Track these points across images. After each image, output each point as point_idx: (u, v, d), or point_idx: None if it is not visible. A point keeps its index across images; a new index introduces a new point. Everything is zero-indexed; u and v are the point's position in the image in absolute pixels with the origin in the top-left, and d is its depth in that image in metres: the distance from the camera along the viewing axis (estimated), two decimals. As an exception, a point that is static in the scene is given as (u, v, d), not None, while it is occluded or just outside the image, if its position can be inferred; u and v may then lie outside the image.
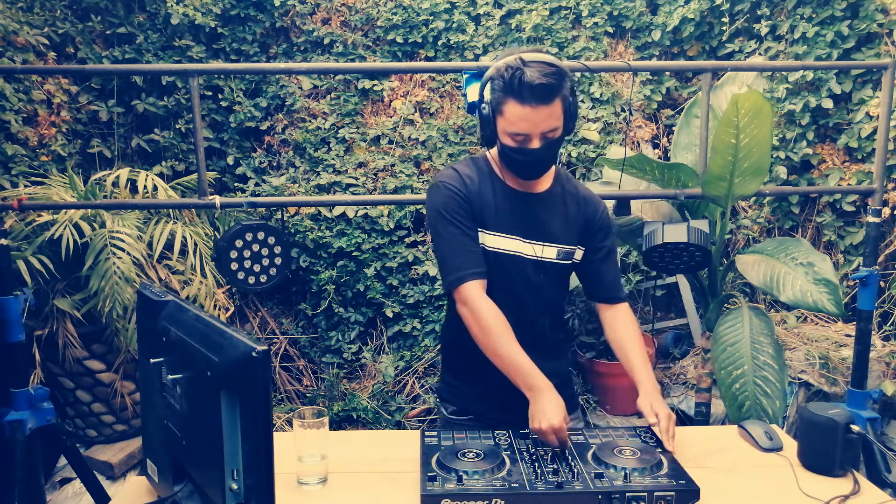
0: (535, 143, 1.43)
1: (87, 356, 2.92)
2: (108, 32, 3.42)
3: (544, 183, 1.59)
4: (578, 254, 1.62)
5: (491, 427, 1.48)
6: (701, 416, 2.65)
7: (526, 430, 1.45)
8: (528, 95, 1.38)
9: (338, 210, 3.50)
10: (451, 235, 1.51)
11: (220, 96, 3.57)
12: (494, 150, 1.58)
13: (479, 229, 1.54)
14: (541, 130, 1.42)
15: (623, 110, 3.58)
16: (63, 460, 2.76)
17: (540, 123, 1.41)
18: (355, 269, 3.52)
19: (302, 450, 1.32)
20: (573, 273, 1.68)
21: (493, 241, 1.54)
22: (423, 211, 3.53)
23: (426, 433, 1.45)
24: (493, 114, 1.46)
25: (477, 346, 1.54)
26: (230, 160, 3.65)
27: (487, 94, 1.47)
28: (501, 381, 1.57)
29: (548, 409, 1.37)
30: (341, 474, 1.36)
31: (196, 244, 3.01)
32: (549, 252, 1.57)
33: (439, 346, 1.72)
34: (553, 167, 1.61)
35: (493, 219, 1.53)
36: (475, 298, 1.48)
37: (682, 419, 3.10)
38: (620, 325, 1.63)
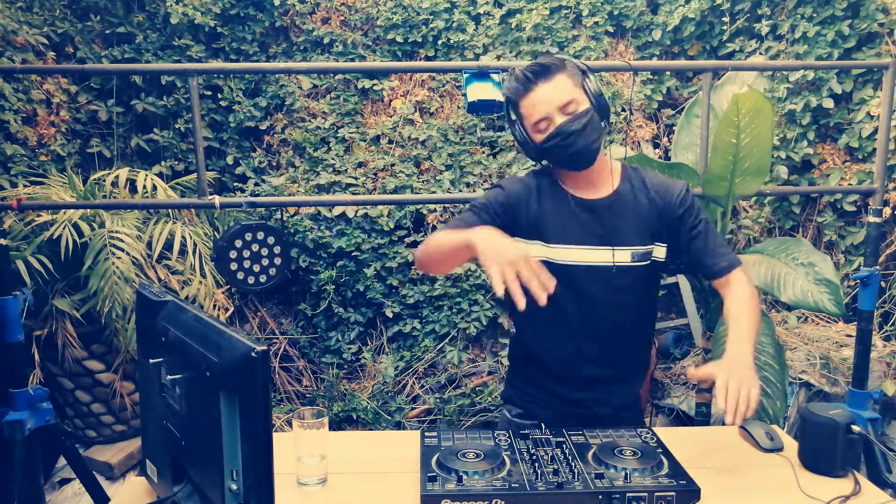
0: (559, 119, 1.43)
1: (87, 356, 2.92)
2: (107, 32, 3.42)
3: (608, 185, 1.54)
4: (659, 251, 1.54)
5: (552, 429, 1.46)
6: (701, 417, 2.64)
7: (526, 431, 1.45)
8: (527, 80, 1.44)
9: (337, 210, 3.50)
10: (462, 215, 1.54)
11: (219, 96, 3.57)
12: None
13: (542, 243, 1.50)
14: (557, 105, 1.43)
15: (623, 110, 3.58)
16: (62, 461, 2.75)
17: (553, 98, 1.43)
18: (355, 269, 3.51)
19: (302, 450, 1.31)
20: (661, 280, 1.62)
21: (560, 253, 1.50)
22: (423, 210, 3.53)
23: (426, 433, 1.44)
24: (521, 126, 1.49)
25: (545, 345, 1.57)
26: (230, 160, 3.65)
27: (513, 106, 1.50)
28: (566, 391, 1.58)
29: (497, 249, 1.25)
30: (341, 474, 1.36)
31: (195, 244, 3.01)
32: (622, 256, 1.51)
33: (508, 353, 1.70)
34: (618, 165, 1.57)
35: (557, 230, 1.50)
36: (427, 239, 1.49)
37: (683, 419, 3.10)
38: (728, 298, 1.50)
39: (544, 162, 1.57)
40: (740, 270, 1.53)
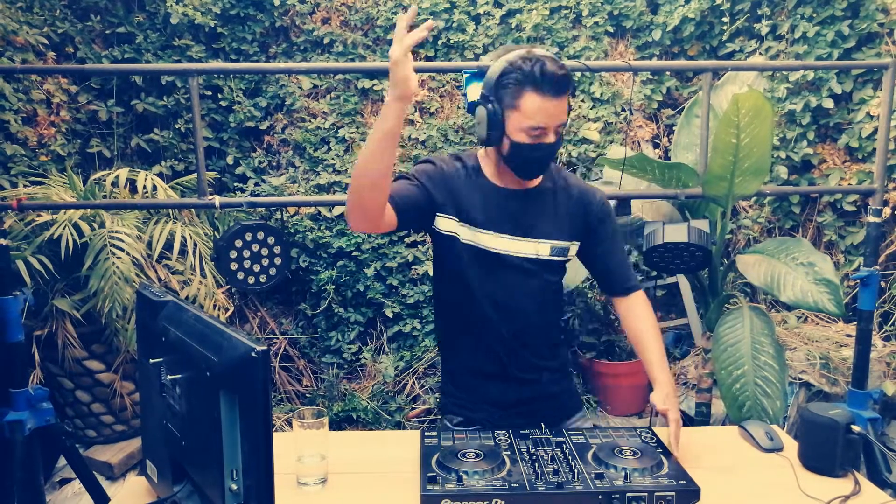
0: (551, 137, 1.42)
1: (87, 356, 2.92)
2: (107, 32, 3.42)
3: (534, 180, 1.57)
4: (573, 249, 1.59)
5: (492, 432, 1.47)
6: (701, 417, 2.64)
7: (526, 431, 1.45)
8: (549, 86, 1.37)
9: (338, 210, 3.50)
10: (400, 181, 1.51)
11: (219, 96, 3.57)
12: (483, 151, 1.56)
13: (467, 225, 1.51)
14: (556, 123, 1.42)
15: (623, 110, 3.58)
16: (62, 460, 2.75)
17: (557, 116, 1.41)
18: (355, 269, 3.51)
19: (302, 450, 1.31)
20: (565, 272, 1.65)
21: (484, 239, 1.52)
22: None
23: (426, 433, 1.45)
24: (502, 110, 1.42)
25: (467, 342, 1.59)
26: (230, 160, 3.65)
27: (494, 91, 1.43)
28: (501, 382, 1.59)
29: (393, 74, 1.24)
30: (341, 474, 1.36)
31: (196, 244, 3.01)
32: (542, 249, 1.55)
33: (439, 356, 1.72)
34: None
35: (482, 217, 1.51)
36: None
37: (683, 419, 3.10)
38: (633, 316, 1.60)
39: (479, 150, 1.57)
40: (642, 292, 1.64)
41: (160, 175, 3.40)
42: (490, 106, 1.43)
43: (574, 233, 1.58)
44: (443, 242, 1.54)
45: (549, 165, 1.54)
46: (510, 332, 1.57)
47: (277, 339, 3.62)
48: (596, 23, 3.57)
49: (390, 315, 3.51)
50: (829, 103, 3.13)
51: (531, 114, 1.39)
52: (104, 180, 3.01)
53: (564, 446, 1.38)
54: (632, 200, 2.59)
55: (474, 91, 2.05)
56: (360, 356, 3.56)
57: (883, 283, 3.12)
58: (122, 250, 2.76)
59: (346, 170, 3.55)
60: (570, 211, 1.57)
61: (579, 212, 1.57)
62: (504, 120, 1.43)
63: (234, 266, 2.19)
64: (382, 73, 3.66)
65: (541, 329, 1.61)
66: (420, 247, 3.55)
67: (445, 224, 1.52)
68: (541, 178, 1.57)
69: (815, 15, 3.15)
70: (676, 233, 2.22)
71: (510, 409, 1.60)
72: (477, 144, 3.77)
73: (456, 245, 1.52)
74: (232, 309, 3.39)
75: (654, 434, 1.44)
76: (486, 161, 1.56)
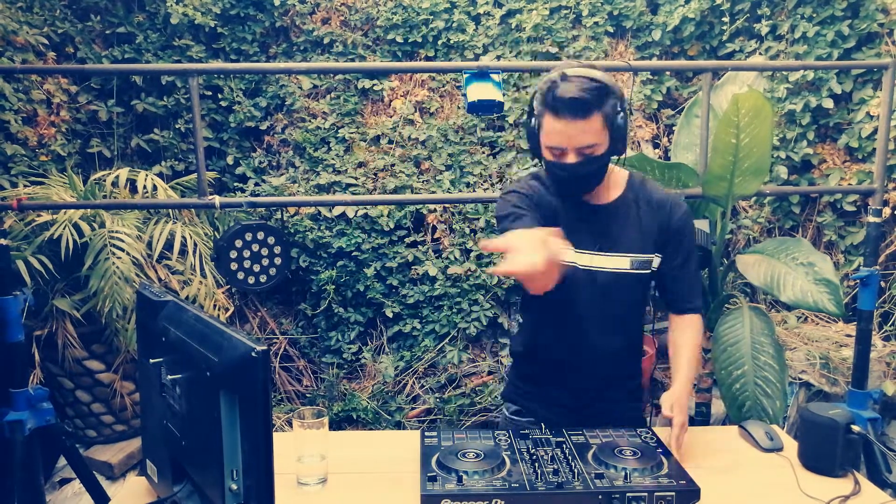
0: (571, 158, 1.41)
1: (87, 356, 2.92)
2: (107, 32, 3.42)
3: (613, 192, 1.55)
4: (656, 261, 1.56)
5: (550, 428, 1.48)
6: (701, 417, 2.64)
7: (526, 431, 1.45)
8: (562, 109, 1.37)
9: (337, 210, 3.50)
10: (505, 230, 1.44)
11: (219, 96, 3.57)
12: None
13: None
14: (576, 145, 1.39)
15: (623, 110, 3.57)
16: (63, 460, 2.75)
17: (575, 137, 1.39)
18: (355, 269, 3.51)
19: (302, 450, 1.31)
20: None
21: (569, 255, 1.50)
22: (423, 210, 3.53)
23: (426, 433, 1.45)
24: (537, 128, 1.45)
25: (547, 344, 1.59)
26: (230, 160, 3.65)
27: (535, 108, 1.46)
28: (566, 388, 1.60)
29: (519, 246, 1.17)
30: (341, 474, 1.36)
31: (196, 244, 3.01)
32: (622, 263, 1.52)
33: (508, 350, 1.71)
34: (624, 173, 1.58)
35: (567, 232, 1.46)
36: None
37: (683, 419, 3.10)
38: (681, 330, 1.59)
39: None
40: (701, 316, 1.63)
41: (160, 175, 3.40)
42: (531, 121, 1.47)
43: (656, 245, 1.55)
44: None
45: (586, 188, 1.50)
46: (588, 344, 1.56)
47: (277, 339, 3.62)
48: (596, 23, 3.57)
49: (390, 315, 3.51)
50: (829, 103, 3.13)
51: (549, 134, 1.42)
52: (104, 180, 3.01)
53: (564, 446, 1.38)
54: (632, 200, 2.58)
55: (474, 91, 2.06)
56: (360, 356, 3.56)
57: (883, 283, 3.12)
58: (122, 250, 2.76)
59: (346, 170, 3.55)
60: (652, 223, 1.54)
61: (660, 224, 1.55)
62: (538, 135, 1.46)
63: (234, 266, 2.19)
64: (382, 73, 3.66)
65: (621, 345, 1.59)
66: (420, 247, 3.55)
67: None
68: (621, 188, 1.55)
69: (815, 15, 3.15)
70: (676, 233, 2.22)
71: (571, 413, 1.59)
72: (476, 144, 3.76)
73: None
74: (232, 309, 3.39)
75: (654, 434, 1.44)
76: None
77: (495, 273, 1.19)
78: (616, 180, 1.56)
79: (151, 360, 1.16)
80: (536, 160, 1.53)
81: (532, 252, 1.12)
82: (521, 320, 1.72)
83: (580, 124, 1.38)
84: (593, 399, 1.59)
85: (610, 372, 1.59)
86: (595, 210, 1.54)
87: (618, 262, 1.53)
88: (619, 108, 1.41)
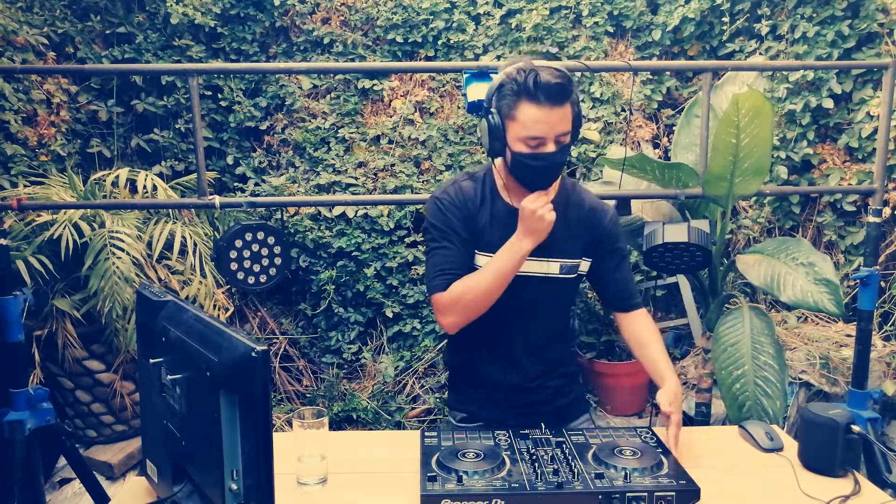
0: (551, 147, 1.41)
1: (87, 356, 2.92)
2: (107, 32, 3.42)
3: (549, 193, 1.54)
4: (584, 265, 1.59)
5: (494, 431, 1.47)
6: (701, 417, 2.64)
7: (526, 431, 1.45)
8: (544, 96, 1.36)
9: (338, 210, 3.50)
10: (431, 250, 1.54)
11: (219, 96, 3.57)
12: (499, 163, 1.54)
13: (486, 253, 1.52)
14: (556, 133, 1.40)
15: (623, 110, 3.58)
16: (63, 460, 2.75)
17: (555, 125, 1.39)
18: (355, 269, 3.51)
19: (302, 450, 1.31)
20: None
21: (488, 261, 1.51)
22: (423, 211, 3.53)
23: (426, 433, 1.45)
24: (502, 122, 1.43)
25: (480, 351, 1.59)
26: (230, 160, 3.65)
27: (494, 103, 1.43)
28: (505, 385, 1.60)
29: (532, 230, 1.44)
30: (341, 474, 1.36)
31: (196, 244, 3.01)
32: (551, 267, 1.55)
33: (442, 354, 1.74)
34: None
35: (488, 239, 1.51)
36: (441, 298, 1.50)
37: (683, 419, 3.10)
38: (636, 329, 1.61)
39: (496, 163, 1.56)
40: (644, 310, 1.65)
41: (160, 175, 3.40)
42: (491, 117, 1.44)
43: (585, 250, 1.58)
44: None
45: (558, 177, 1.52)
46: (521, 347, 1.59)
47: (277, 339, 3.62)
48: (596, 23, 3.57)
49: (390, 315, 3.51)
50: (829, 103, 3.13)
51: (528, 124, 1.40)
52: (104, 180, 3.01)
53: (564, 446, 1.38)
54: (632, 200, 2.58)
55: (474, 91, 2.06)
56: (360, 356, 3.56)
57: (883, 283, 3.12)
58: (122, 250, 2.76)
59: (346, 170, 3.55)
60: (582, 228, 1.57)
61: (590, 229, 1.58)
62: (505, 131, 1.43)
63: (234, 266, 2.18)
64: (382, 73, 3.66)
65: (552, 342, 1.62)
66: (420, 247, 3.55)
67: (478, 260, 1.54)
68: (554, 193, 1.54)
69: (815, 15, 3.15)
70: (676, 233, 2.22)
71: (516, 410, 1.61)
72: (476, 144, 3.76)
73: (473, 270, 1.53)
74: (232, 309, 3.39)
75: (654, 434, 1.44)
76: (499, 175, 1.55)
77: None
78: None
79: (151, 360, 1.16)
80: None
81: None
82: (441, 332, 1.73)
83: (559, 111, 1.39)
84: (534, 393, 1.62)
85: (545, 366, 1.62)
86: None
87: (547, 267, 1.55)
88: (578, 98, 1.45)
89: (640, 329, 1.61)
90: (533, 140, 1.40)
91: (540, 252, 1.52)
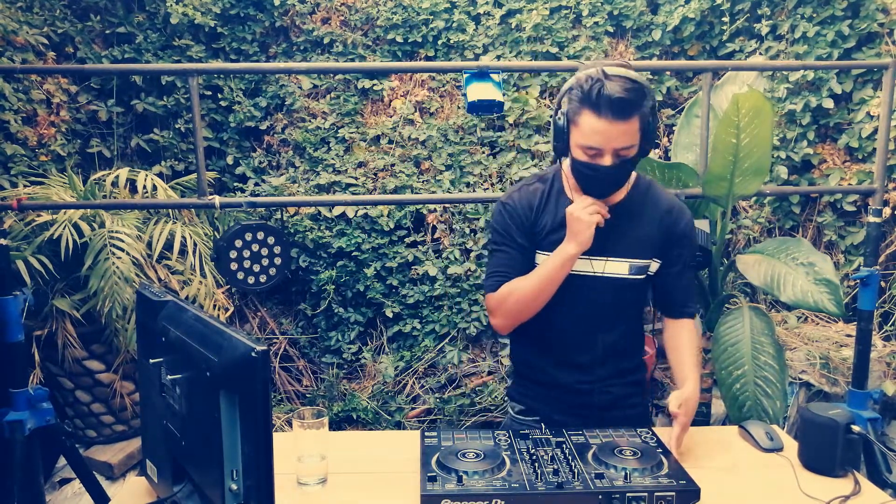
0: (607, 160, 1.39)
1: (87, 356, 2.91)
2: (107, 32, 3.42)
3: (618, 194, 1.53)
4: (654, 266, 1.57)
5: (553, 428, 1.47)
6: (701, 417, 2.64)
7: (526, 431, 1.45)
8: (606, 108, 1.34)
9: (337, 210, 3.50)
10: (492, 252, 1.58)
11: (219, 96, 3.57)
12: (566, 166, 1.53)
13: (538, 251, 1.52)
14: (614, 146, 1.38)
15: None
16: (62, 461, 2.75)
17: (614, 139, 1.37)
18: (355, 269, 3.51)
19: (302, 450, 1.31)
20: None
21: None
22: (423, 210, 3.54)
23: (426, 433, 1.44)
24: (567, 125, 1.42)
25: (542, 352, 1.60)
26: (230, 160, 3.65)
27: (564, 105, 1.43)
28: (567, 386, 1.60)
29: (578, 234, 1.44)
30: (341, 474, 1.36)
31: (195, 244, 3.01)
32: (619, 268, 1.52)
33: (509, 351, 1.75)
34: (632, 175, 1.56)
35: (552, 239, 1.51)
36: (490, 299, 1.55)
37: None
38: (678, 334, 1.60)
39: (564, 163, 1.55)
40: (694, 320, 1.65)
41: (160, 175, 3.40)
42: (558, 118, 1.44)
43: (656, 250, 1.55)
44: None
45: (616, 189, 1.49)
46: (585, 350, 1.57)
47: (277, 339, 3.62)
48: (596, 23, 3.57)
49: (390, 315, 3.51)
50: (829, 103, 3.13)
51: (587, 133, 1.39)
52: (104, 180, 3.01)
53: (564, 446, 1.38)
54: (632, 200, 2.58)
55: (474, 91, 2.06)
56: (360, 356, 3.56)
57: (883, 283, 3.12)
58: (122, 250, 2.76)
59: (346, 170, 3.55)
60: (656, 228, 1.54)
61: (665, 229, 1.55)
62: (568, 134, 1.43)
63: (234, 266, 2.18)
64: (382, 73, 3.66)
65: (617, 345, 1.59)
66: (420, 247, 3.55)
67: (538, 259, 1.55)
68: (627, 190, 1.54)
69: (815, 15, 3.15)
70: (676, 233, 2.22)
71: (577, 411, 1.60)
72: (476, 144, 3.75)
73: None
74: (232, 309, 3.39)
75: (654, 434, 1.44)
76: (567, 175, 1.54)
77: None
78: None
79: (151, 360, 1.16)
80: (557, 159, 1.52)
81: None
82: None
83: (621, 125, 1.36)
84: (596, 397, 1.60)
85: (611, 371, 1.59)
86: None
87: (616, 268, 1.53)
88: (653, 110, 1.41)
89: (682, 335, 1.60)
90: (590, 150, 1.39)
91: (606, 252, 1.51)
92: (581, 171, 1.44)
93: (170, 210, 3.14)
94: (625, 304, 1.58)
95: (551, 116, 1.50)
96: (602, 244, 1.50)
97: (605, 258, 1.52)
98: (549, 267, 1.47)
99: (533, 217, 1.53)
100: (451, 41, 3.59)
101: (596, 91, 1.34)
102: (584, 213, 1.41)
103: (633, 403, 1.64)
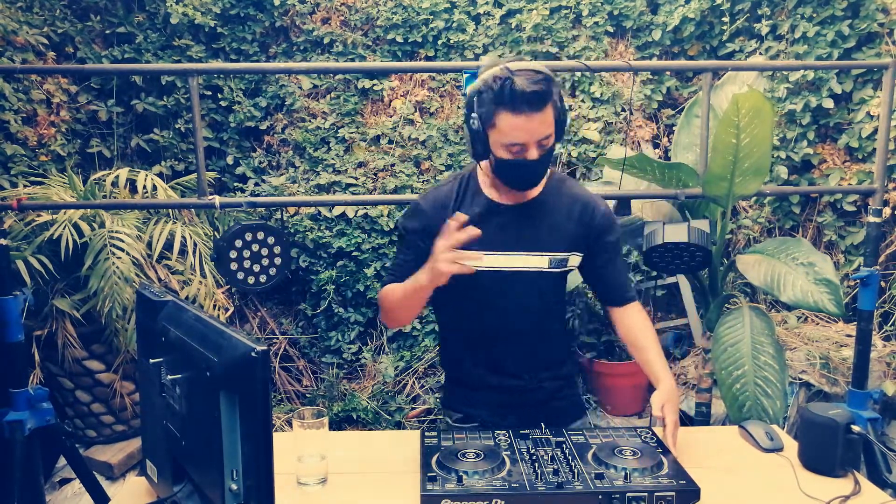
0: (533, 153, 1.40)
1: (87, 356, 2.91)
2: (107, 32, 3.42)
3: (532, 191, 1.54)
4: (574, 259, 1.58)
5: (491, 430, 1.48)
6: (701, 417, 2.64)
7: (526, 431, 1.45)
8: (521, 104, 1.34)
9: (337, 210, 3.50)
10: (397, 250, 1.59)
11: (219, 96, 3.57)
12: (485, 164, 1.53)
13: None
14: (536, 139, 1.39)
15: (623, 110, 3.58)
16: (62, 461, 2.75)
17: (535, 131, 1.38)
18: (355, 269, 3.51)
19: (302, 450, 1.31)
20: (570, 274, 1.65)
21: (483, 260, 1.49)
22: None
23: (426, 433, 1.45)
24: (483, 127, 1.42)
25: (469, 352, 1.60)
26: (230, 160, 3.65)
27: (475, 108, 1.41)
28: (502, 386, 1.60)
29: (431, 270, 1.36)
30: (341, 474, 1.36)
31: (195, 244, 3.01)
32: (539, 262, 1.54)
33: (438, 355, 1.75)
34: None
35: (481, 239, 1.47)
36: (379, 295, 1.57)
37: (683, 419, 3.10)
38: (631, 323, 1.61)
39: (482, 163, 1.55)
40: (638, 303, 1.64)
41: (160, 175, 3.40)
42: (473, 123, 1.43)
43: (575, 244, 1.56)
44: None
45: (541, 180, 1.52)
46: (514, 345, 1.58)
47: (277, 339, 3.62)
48: (596, 23, 3.57)
49: (390, 315, 3.51)
50: (829, 103, 3.13)
51: (507, 132, 1.38)
52: (104, 180, 3.01)
53: (564, 446, 1.38)
54: (632, 200, 2.58)
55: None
56: (360, 356, 3.56)
57: (883, 283, 3.12)
58: (122, 250, 2.76)
59: (346, 170, 3.55)
60: (571, 222, 1.56)
61: (581, 223, 1.56)
62: (487, 136, 1.43)
63: (234, 266, 2.18)
64: (382, 73, 3.66)
65: (544, 340, 1.62)
66: (420, 247, 3.55)
67: None
68: (540, 188, 1.55)
69: (815, 15, 3.15)
70: (676, 233, 2.22)
71: (512, 410, 1.61)
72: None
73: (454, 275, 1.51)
74: (232, 309, 3.39)
75: (654, 434, 1.44)
76: (484, 173, 1.55)
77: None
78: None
79: (151, 360, 1.16)
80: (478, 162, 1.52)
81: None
82: (437, 330, 1.73)
83: (539, 116, 1.37)
84: (526, 395, 1.61)
85: (535, 368, 1.61)
86: (511, 210, 1.53)
87: (536, 262, 1.54)
88: (561, 97, 1.43)
89: (635, 326, 1.60)
90: (515, 146, 1.40)
91: (528, 246, 1.52)
92: (507, 170, 1.45)
93: (170, 210, 3.14)
94: (547, 298, 1.59)
95: (464, 122, 1.48)
96: (520, 240, 1.52)
97: (524, 253, 1.53)
98: (408, 288, 1.44)
99: (446, 217, 1.48)
100: (451, 41, 3.59)
101: (508, 89, 1.34)
102: (444, 265, 1.32)
103: (562, 395, 1.67)
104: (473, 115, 1.42)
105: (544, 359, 1.62)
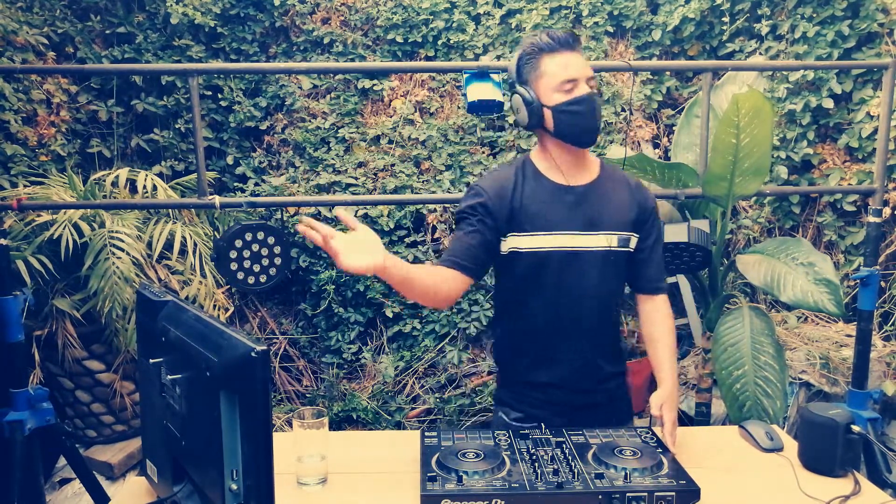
0: (584, 88, 1.46)
1: (87, 356, 2.92)
2: (107, 32, 3.42)
3: (591, 173, 1.58)
4: (633, 241, 1.58)
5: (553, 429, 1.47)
6: (701, 417, 2.64)
7: (526, 431, 1.45)
8: (559, 44, 1.46)
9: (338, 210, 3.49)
10: (457, 233, 1.55)
11: (219, 96, 3.57)
12: (536, 152, 1.58)
13: (521, 233, 1.51)
14: (584, 75, 1.47)
15: (623, 110, 3.58)
16: (62, 460, 2.75)
17: (580, 66, 1.47)
18: (355, 268, 3.51)
19: (302, 450, 1.31)
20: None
21: (540, 241, 1.51)
22: (423, 210, 3.54)
23: (426, 433, 1.45)
24: (532, 85, 1.49)
25: (534, 344, 1.58)
26: (230, 160, 3.65)
27: (519, 78, 1.51)
28: (561, 387, 1.59)
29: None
30: (341, 474, 1.36)
31: (195, 244, 3.01)
32: (608, 240, 1.54)
33: (493, 352, 1.72)
34: (597, 159, 1.62)
35: (539, 219, 1.51)
36: None
37: (683, 419, 3.10)
38: (655, 316, 1.61)
39: (532, 151, 1.59)
40: (667, 296, 1.65)
41: (160, 175, 3.40)
42: (520, 90, 1.51)
43: (634, 225, 1.58)
44: (505, 260, 1.55)
45: (600, 125, 1.54)
46: (579, 334, 1.56)
47: (277, 339, 3.62)
48: (596, 23, 3.57)
49: (390, 315, 3.51)
50: (829, 103, 3.13)
51: (556, 71, 1.46)
52: (104, 180, 3.01)
53: (564, 446, 1.38)
54: (632, 200, 2.58)
55: (474, 91, 2.06)
56: (360, 356, 3.56)
57: (883, 283, 3.12)
58: (122, 250, 2.76)
59: (346, 170, 3.55)
60: (631, 203, 1.58)
61: (638, 204, 1.59)
62: (538, 94, 1.49)
63: (234, 266, 2.18)
64: (382, 73, 3.66)
65: (604, 330, 1.60)
66: (420, 247, 3.55)
67: (506, 245, 1.53)
68: (597, 172, 1.58)
69: (815, 15, 3.15)
70: (676, 233, 2.22)
71: (572, 413, 1.59)
72: (476, 144, 3.74)
73: (521, 257, 1.52)
74: (232, 309, 3.39)
75: (654, 434, 1.44)
76: (541, 158, 1.57)
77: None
78: (591, 163, 1.60)
79: (151, 360, 1.16)
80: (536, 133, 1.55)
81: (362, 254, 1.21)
82: (495, 311, 1.71)
83: (577, 56, 1.48)
84: (587, 392, 1.59)
85: (600, 361, 1.59)
86: (575, 191, 1.54)
87: (604, 241, 1.54)
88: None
89: (657, 319, 1.60)
90: (567, 83, 1.46)
91: (593, 227, 1.53)
92: (569, 112, 1.47)
93: (170, 210, 3.14)
94: (614, 279, 1.57)
95: (510, 92, 1.54)
96: (587, 220, 1.53)
97: (593, 232, 1.53)
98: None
99: (509, 197, 1.52)
100: (451, 41, 3.59)
101: (545, 37, 1.47)
102: (343, 259, 1.20)
103: (620, 396, 1.66)
104: (520, 88, 1.51)
105: (608, 349, 1.61)
